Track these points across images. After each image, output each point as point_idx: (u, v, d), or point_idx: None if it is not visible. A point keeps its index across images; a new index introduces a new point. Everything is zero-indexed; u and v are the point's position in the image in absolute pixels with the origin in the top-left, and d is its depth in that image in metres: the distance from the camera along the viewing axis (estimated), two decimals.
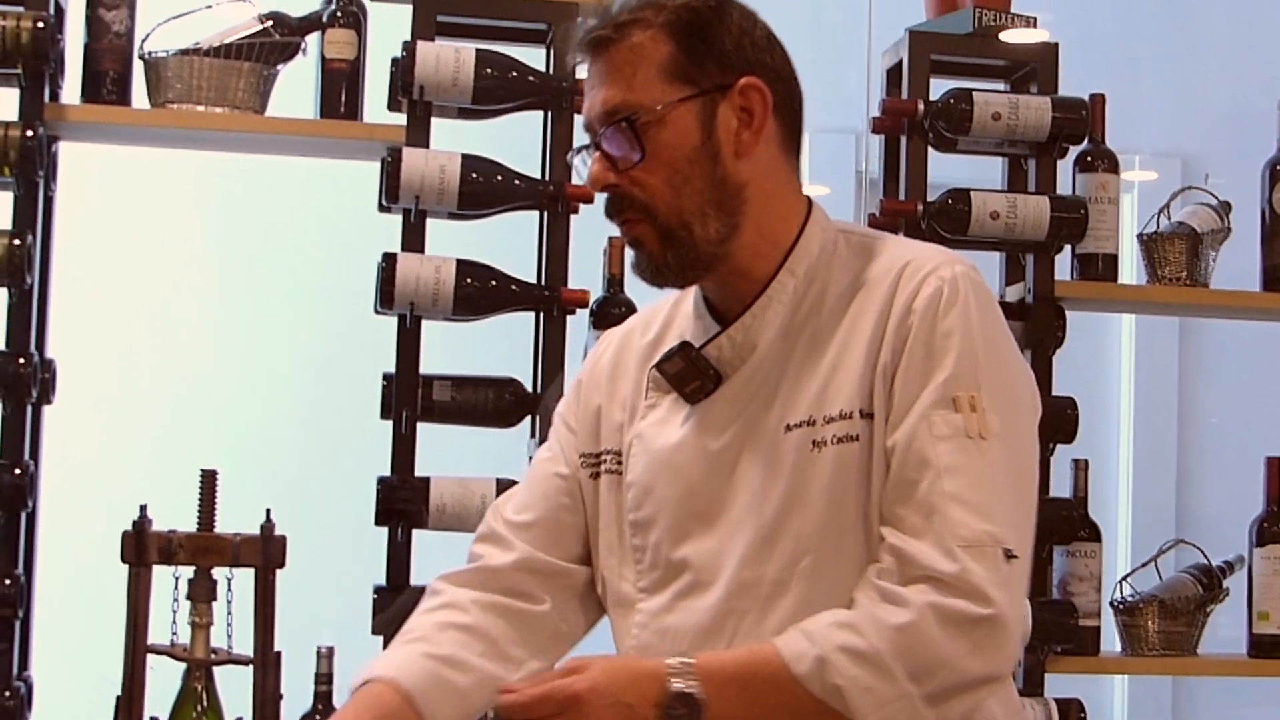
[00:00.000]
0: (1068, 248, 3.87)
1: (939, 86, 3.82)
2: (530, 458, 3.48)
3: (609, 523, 2.22)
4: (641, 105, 2.05)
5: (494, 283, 3.48)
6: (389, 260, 3.44)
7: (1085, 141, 3.86)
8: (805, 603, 2.04)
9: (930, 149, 3.81)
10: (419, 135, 3.54)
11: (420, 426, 3.49)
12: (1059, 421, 3.74)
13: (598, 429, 2.26)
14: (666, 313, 2.28)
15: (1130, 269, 4.30)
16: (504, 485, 3.42)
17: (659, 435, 2.16)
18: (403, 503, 3.43)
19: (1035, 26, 3.87)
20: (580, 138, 2.25)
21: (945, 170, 3.96)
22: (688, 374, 2.13)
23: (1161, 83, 5.58)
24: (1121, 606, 3.91)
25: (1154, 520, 5.32)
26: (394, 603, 3.40)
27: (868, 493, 2.03)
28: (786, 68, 2.15)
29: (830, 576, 2.04)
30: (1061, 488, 3.88)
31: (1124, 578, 3.98)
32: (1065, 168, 3.92)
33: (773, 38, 2.15)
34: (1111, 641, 3.96)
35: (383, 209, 3.54)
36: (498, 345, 3.75)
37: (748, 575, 2.07)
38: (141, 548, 2.98)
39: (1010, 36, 3.85)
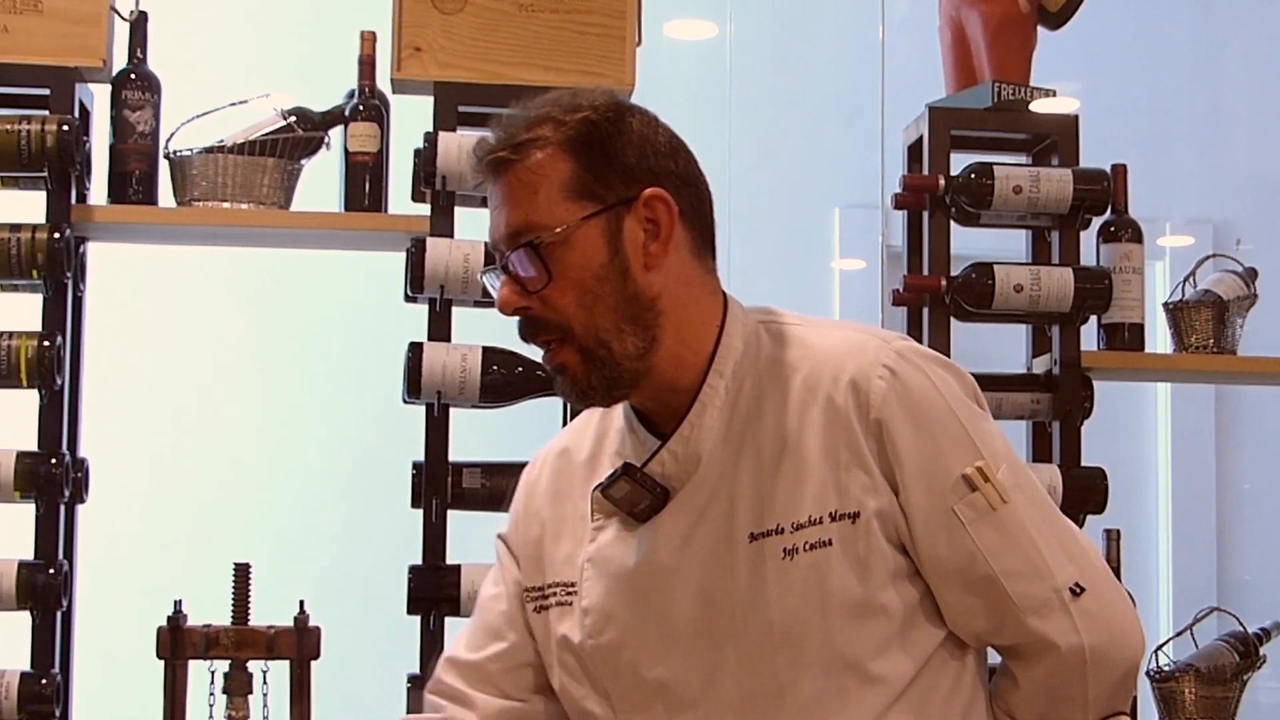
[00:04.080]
0: (1094, 317, 3.87)
1: (960, 160, 3.83)
2: None
3: (567, 651, 2.15)
4: (545, 226, 1.99)
5: (520, 369, 3.50)
6: (415, 350, 3.46)
7: (1108, 212, 3.85)
8: (794, 709, 2.02)
9: (953, 222, 3.82)
10: (443, 224, 3.56)
11: (451, 514, 3.50)
12: (1089, 492, 3.72)
13: (541, 561, 2.20)
14: (597, 426, 2.22)
15: (1163, 335, 4.30)
16: None
17: (613, 557, 2.10)
18: (435, 591, 3.43)
19: (1055, 97, 3.87)
20: None
21: (970, 241, 3.96)
22: (634, 495, 2.08)
23: (1192, 149, 5.60)
24: (1159, 675, 3.89)
25: (1195, 588, 5.31)
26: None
27: (850, 590, 2.01)
28: (692, 171, 2.09)
29: (817, 681, 2.02)
30: None
31: (1159, 646, 3.95)
32: (1090, 237, 3.92)
33: (676, 141, 2.09)
34: (1149, 710, 3.94)
35: (408, 299, 3.56)
36: (526, 430, 3.75)
37: (732, 688, 2.03)
38: (177, 643, 3.00)
39: (1034, 107, 3.85)
